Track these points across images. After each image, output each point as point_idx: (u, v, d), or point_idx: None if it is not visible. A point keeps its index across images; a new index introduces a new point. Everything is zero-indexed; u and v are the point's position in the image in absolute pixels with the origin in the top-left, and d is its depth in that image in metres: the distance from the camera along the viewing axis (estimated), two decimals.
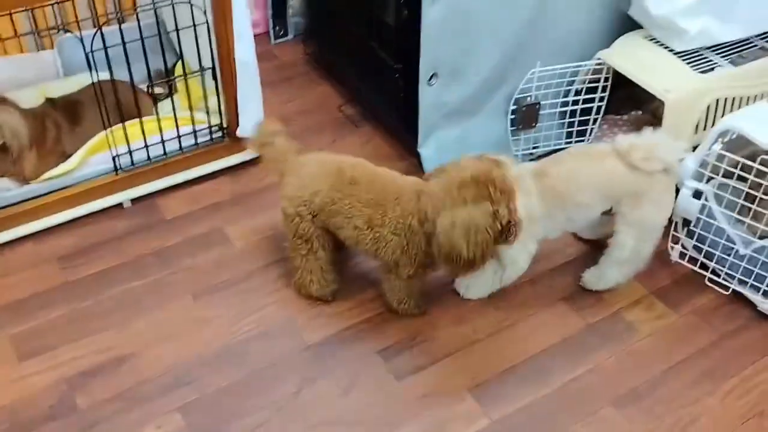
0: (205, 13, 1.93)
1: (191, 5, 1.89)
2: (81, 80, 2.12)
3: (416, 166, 2.13)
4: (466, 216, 1.50)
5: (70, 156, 2.02)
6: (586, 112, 2.23)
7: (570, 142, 2.29)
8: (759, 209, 1.83)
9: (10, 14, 2.15)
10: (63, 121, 2.03)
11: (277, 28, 2.74)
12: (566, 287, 1.94)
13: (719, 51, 2.09)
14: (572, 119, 2.25)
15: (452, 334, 1.81)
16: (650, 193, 1.74)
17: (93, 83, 1.92)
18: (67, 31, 2.25)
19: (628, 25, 2.15)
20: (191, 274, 1.91)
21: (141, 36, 1.87)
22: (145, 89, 2.15)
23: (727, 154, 1.80)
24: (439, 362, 1.75)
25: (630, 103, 2.38)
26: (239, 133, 2.12)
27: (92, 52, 1.80)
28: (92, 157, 2.04)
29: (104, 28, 1.83)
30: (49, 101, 2.08)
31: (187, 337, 1.77)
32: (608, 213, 1.82)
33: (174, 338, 1.77)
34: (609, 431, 1.63)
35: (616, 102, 2.33)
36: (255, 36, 2.73)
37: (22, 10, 2.16)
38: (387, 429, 1.61)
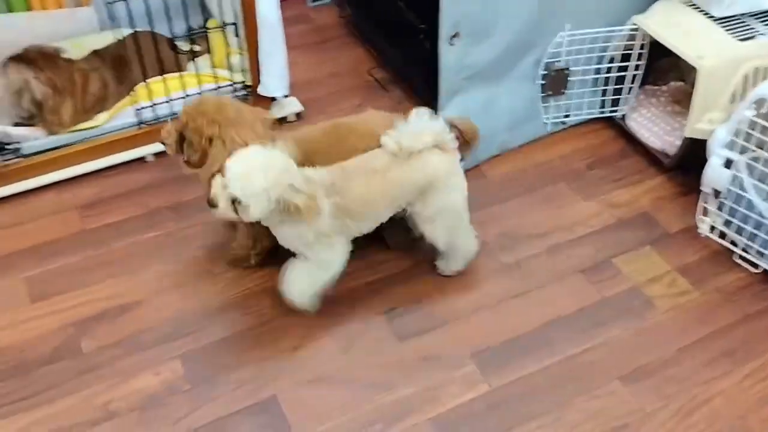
0: None
1: None
2: (114, 35, 2.14)
3: None
4: None
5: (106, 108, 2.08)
6: (621, 80, 2.14)
7: (603, 112, 2.21)
8: None
9: None
10: (110, 77, 2.08)
11: None
12: (584, 259, 1.86)
13: (763, 18, 1.96)
14: (606, 87, 2.16)
15: (461, 300, 1.77)
16: (437, 180, 1.64)
17: (120, 37, 1.96)
18: None
19: None
20: (205, 229, 1.92)
21: None
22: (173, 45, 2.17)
23: (761, 122, 1.69)
24: (443, 326, 1.72)
25: (672, 73, 2.27)
26: (261, 91, 2.12)
27: (112, 3, 1.82)
28: (119, 111, 2.08)
29: None
30: (95, 54, 2.12)
31: (194, 289, 1.78)
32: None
33: (180, 289, 1.78)
34: (613, 407, 1.57)
35: (656, 71, 2.23)
36: None
37: None
38: (382, 388, 1.59)
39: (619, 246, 1.90)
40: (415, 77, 2.28)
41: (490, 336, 1.69)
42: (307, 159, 1.65)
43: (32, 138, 2.01)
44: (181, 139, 1.68)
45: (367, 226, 1.68)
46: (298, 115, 2.26)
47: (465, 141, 1.73)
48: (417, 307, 1.76)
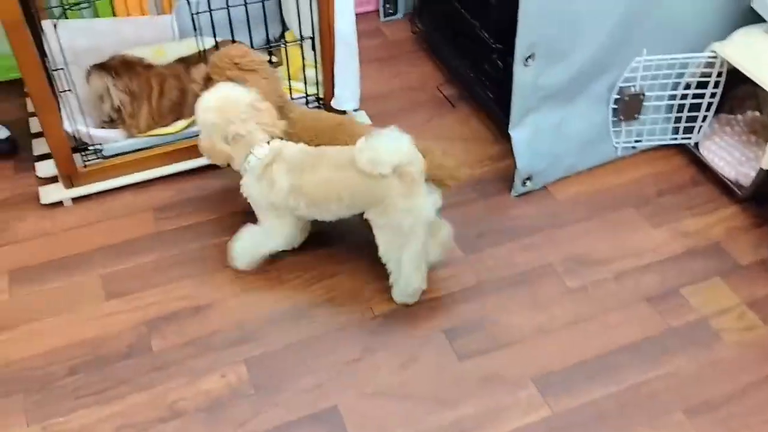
0: None
1: None
2: (197, 43, 2.19)
3: (511, 150, 2.07)
4: None
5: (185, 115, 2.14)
6: (695, 107, 2.11)
7: (675, 138, 2.18)
8: None
9: None
10: (189, 84, 2.13)
11: (387, 6, 2.77)
12: (652, 287, 1.84)
13: None
14: (680, 114, 2.13)
15: (525, 321, 1.77)
16: (388, 199, 1.62)
17: (201, 45, 2.02)
18: None
19: (748, 18, 2.01)
20: None
21: (245, 2, 1.94)
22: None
23: None
24: (506, 347, 1.72)
25: (749, 102, 2.23)
26: (333, 103, 2.15)
27: (197, 14, 1.88)
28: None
29: None
30: (180, 60, 2.18)
31: (261, 295, 1.82)
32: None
33: (249, 294, 1.82)
34: None
35: (733, 100, 2.19)
36: (365, 13, 2.82)
37: None
38: (442, 406, 1.60)
39: (687, 276, 1.87)
40: (484, 95, 2.30)
41: (552, 360, 1.69)
42: (297, 134, 1.79)
43: (113, 140, 2.08)
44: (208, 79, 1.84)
45: (320, 216, 1.73)
46: None
47: (435, 179, 1.70)
48: (478, 326, 1.76)
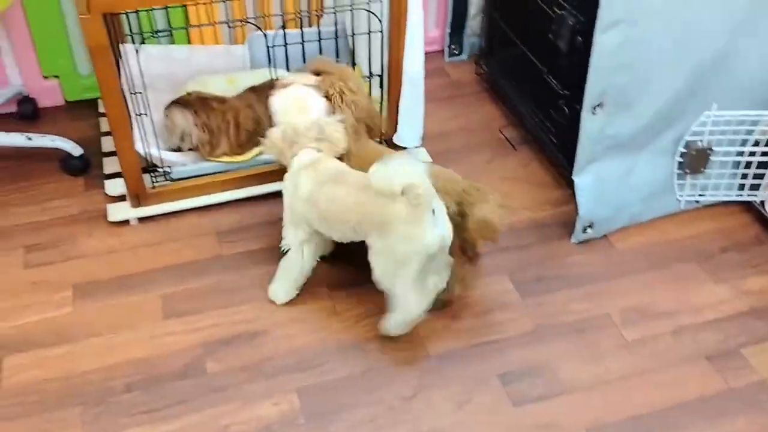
0: (380, 21, 2.01)
1: (369, 12, 1.97)
2: (266, 73, 2.25)
3: (572, 196, 2.07)
4: None
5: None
6: (763, 165, 2.08)
7: (741, 195, 2.15)
8: None
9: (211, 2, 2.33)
10: (263, 114, 2.11)
11: (453, 46, 2.80)
12: (711, 345, 1.81)
13: None
14: (746, 171, 2.11)
15: (581, 371, 1.75)
16: (392, 224, 1.63)
17: (274, 75, 2.07)
18: (258, 28, 2.42)
19: None
20: (333, 268, 1.96)
21: (319, 38, 1.99)
22: None
23: None
24: (561, 396, 1.70)
25: None
26: (395, 140, 2.18)
27: (273, 47, 1.94)
28: None
29: (292, 30, 1.98)
30: (251, 90, 2.21)
31: (317, 325, 1.84)
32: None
33: (305, 324, 1.84)
34: None
35: None
36: (430, 53, 2.85)
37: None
38: None
39: (749, 335, 1.83)
40: (547, 140, 2.30)
41: (608, 412, 1.66)
42: (356, 161, 1.84)
43: (182, 164, 2.14)
44: (317, 73, 1.91)
45: (328, 232, 1.78)
46: None
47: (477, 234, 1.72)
48: (534, 373, 1.74)
